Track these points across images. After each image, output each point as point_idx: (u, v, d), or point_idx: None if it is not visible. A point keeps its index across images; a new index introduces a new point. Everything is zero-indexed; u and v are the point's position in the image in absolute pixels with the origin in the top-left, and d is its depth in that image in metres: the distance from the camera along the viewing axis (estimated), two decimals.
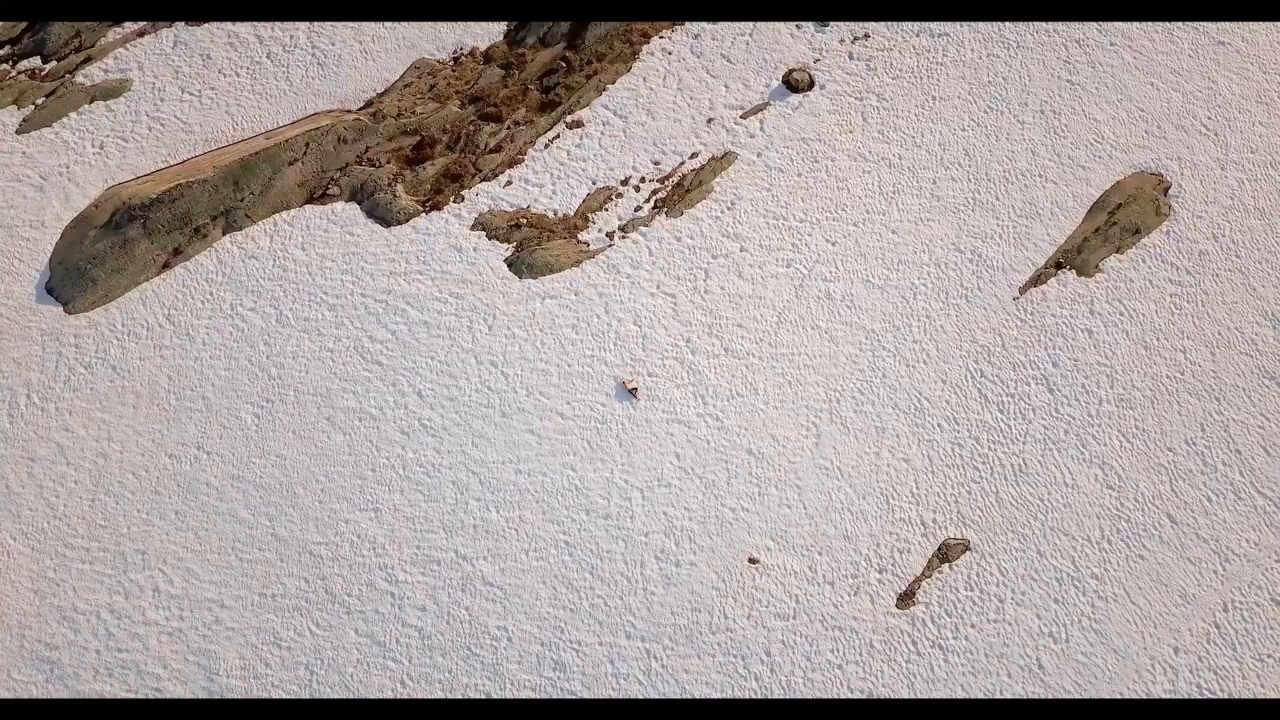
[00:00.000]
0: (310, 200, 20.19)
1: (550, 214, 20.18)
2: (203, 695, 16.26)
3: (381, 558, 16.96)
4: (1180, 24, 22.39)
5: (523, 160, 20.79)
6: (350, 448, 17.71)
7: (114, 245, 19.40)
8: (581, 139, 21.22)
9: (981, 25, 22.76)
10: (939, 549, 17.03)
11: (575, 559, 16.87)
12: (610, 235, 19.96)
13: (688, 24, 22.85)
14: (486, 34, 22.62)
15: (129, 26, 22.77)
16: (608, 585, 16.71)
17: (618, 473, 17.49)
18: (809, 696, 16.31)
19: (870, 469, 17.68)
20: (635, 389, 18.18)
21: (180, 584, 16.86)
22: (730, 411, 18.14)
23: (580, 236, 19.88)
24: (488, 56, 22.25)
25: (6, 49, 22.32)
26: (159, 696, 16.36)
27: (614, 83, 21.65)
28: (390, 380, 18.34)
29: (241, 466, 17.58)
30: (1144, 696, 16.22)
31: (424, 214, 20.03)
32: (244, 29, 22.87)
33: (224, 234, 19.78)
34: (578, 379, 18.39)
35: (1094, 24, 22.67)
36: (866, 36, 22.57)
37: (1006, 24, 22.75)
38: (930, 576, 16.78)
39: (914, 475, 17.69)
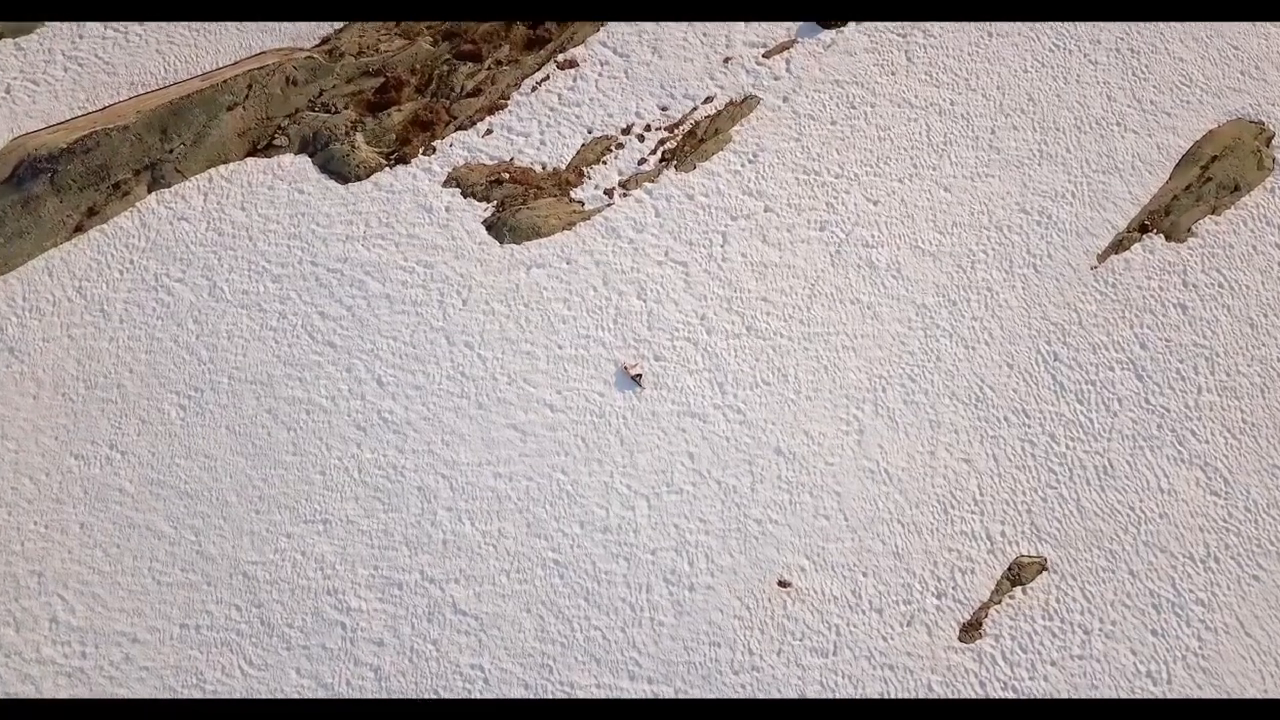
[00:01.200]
0: (253, 152, 19.09)
1: (538, 168, 19.19)
2: None
3: (331, 580, 15.82)
4: None
5: (505, 105, 19.76)
6: (295, 446, 16.67)
7: (16, 204, 18.00)
8: (575, 81, 19.99)
9: None
10: (1009, 569, 15.99)
11: (567, 582, 15.82)
12: (609, 193, 18.95)
13: None
14: None
15: None
16: (606, 614, 15.62)
17: (618, 477, 16.52)
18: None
19: (924, 471, 16.64)
20: (639, 375, 17.28)
21: (84, 613, 15.50)
22: (754, 402, 17.14)
23: (573, 194, 18.91)
24: None
25: None
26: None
27: None
28: (345, 365, 17.31)
29: (163, 469, 16.47)
30: None
31: (388, 168, 19.02)
32: None
33: (149, 191, 18.61)
34: (570, 364, 17.38)
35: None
36: None
37: None
38: (1000, 603, 15.74)
39: (977, 479, 16.63)
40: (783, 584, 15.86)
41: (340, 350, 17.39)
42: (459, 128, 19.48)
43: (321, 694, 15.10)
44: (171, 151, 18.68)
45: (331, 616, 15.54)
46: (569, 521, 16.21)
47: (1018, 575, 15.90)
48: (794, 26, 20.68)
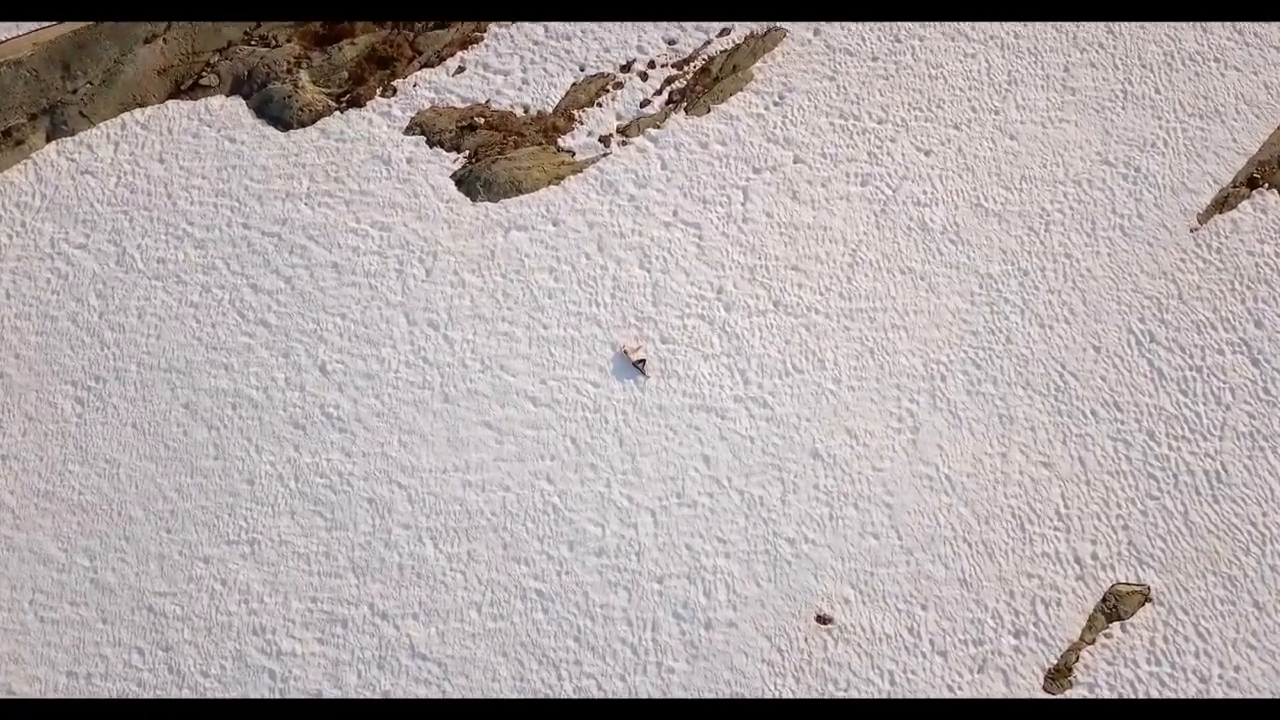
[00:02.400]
0: (176, 93, 19.08)
1: (519, 111, 19.09)
2: None
3: (257, 616, 15.35)
4: None
5: (481, 38, 19.66)
6: (217, 449, 16.42)
7: None
8: None
9: None
10: (1104, 600, 15.28)
11: (552, 618, 15.24)
12: (605, 141, 18.78)
13: None
14: None
15: None
16: (602, 659, 15.03)
17: (617, 486, 16.13)
18: None
19: (993, 479, 16.03)
20: (642, 361, 16.91)
21: None
22: (784, 394, 16.71)
23: (562, 142, 18.78)
24: None
25: None
26: None
27: None
28: (281, 349, 17.06)
29: (52, 478, 16.21)
30: None
31: (338, 112, 18.96)
32: None
33: (47, 140, 18.66)
34: (558, 347, 17.06)
35: None
36: None
37: None
38: (1093, 643, 14.99)
39: (1060, 487, 15.92)
40: (822, 620, 15.34)
41: (276, 331, 17.19)
42: (425, 64, 19.48)
43: None
44: (75, 92, 18.59)
45: (257, 662, 15.03)
46: (555, 542, 15.78)
47: (1115, 608, 15.30)
48: None
